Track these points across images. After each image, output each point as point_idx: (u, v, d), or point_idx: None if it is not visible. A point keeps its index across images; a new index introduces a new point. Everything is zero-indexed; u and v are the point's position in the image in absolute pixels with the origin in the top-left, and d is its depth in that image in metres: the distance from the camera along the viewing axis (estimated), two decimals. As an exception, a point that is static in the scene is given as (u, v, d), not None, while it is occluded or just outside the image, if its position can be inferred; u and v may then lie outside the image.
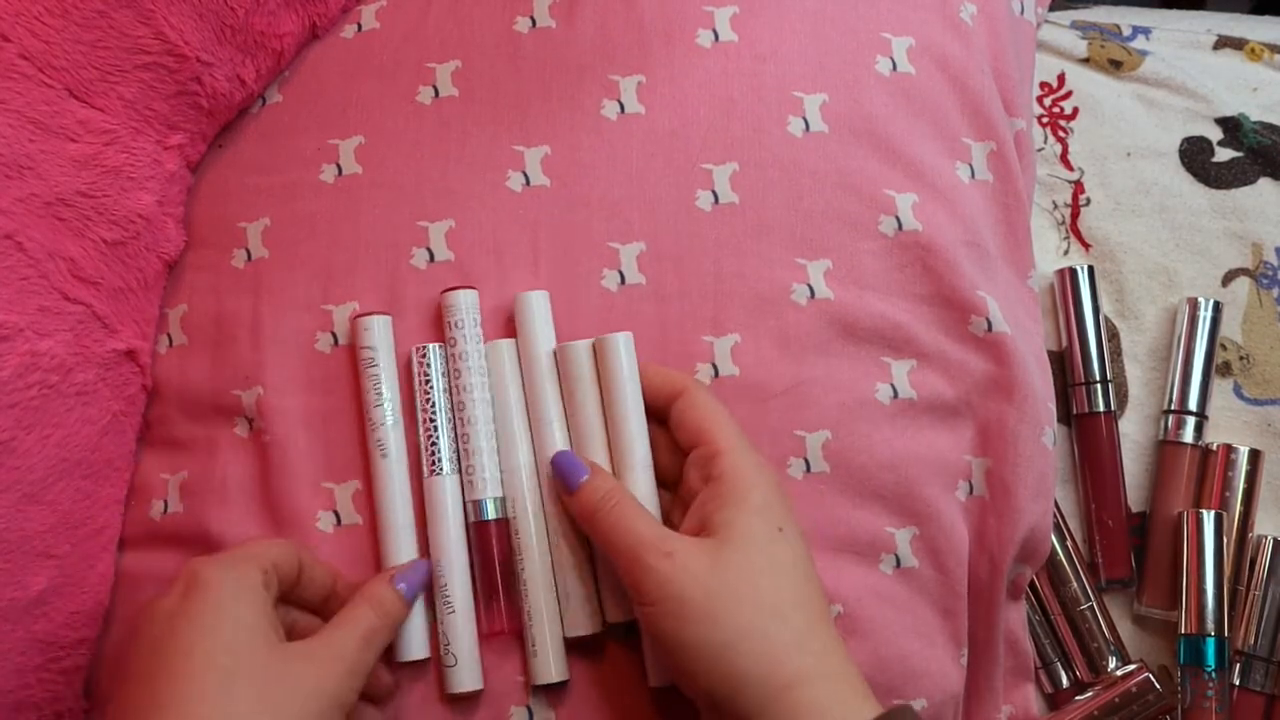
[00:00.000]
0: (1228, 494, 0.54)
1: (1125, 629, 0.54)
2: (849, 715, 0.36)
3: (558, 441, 0.44)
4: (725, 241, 0.47)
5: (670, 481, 0.44)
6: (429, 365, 0.45)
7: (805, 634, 0.38)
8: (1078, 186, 0.60)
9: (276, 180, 0.50)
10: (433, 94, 0.50)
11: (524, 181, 0.48)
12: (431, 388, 0.45)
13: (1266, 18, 0.66)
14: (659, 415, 0.44)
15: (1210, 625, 0.51)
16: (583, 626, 0.43)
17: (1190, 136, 0.60)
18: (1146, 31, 0.64)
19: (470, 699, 0.43)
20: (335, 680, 0.37)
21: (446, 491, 0.44)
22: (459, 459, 0.45)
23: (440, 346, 0.45)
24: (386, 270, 0.47)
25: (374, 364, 0.45)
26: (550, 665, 0.42)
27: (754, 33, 0.49)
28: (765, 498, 0.40)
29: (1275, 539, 0.53)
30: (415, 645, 0.43)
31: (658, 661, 0.42)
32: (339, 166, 0.49)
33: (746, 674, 0.37)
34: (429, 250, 0.47)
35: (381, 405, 0.45)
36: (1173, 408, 0.55)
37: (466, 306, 0.45)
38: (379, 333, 0.45)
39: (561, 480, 0.42)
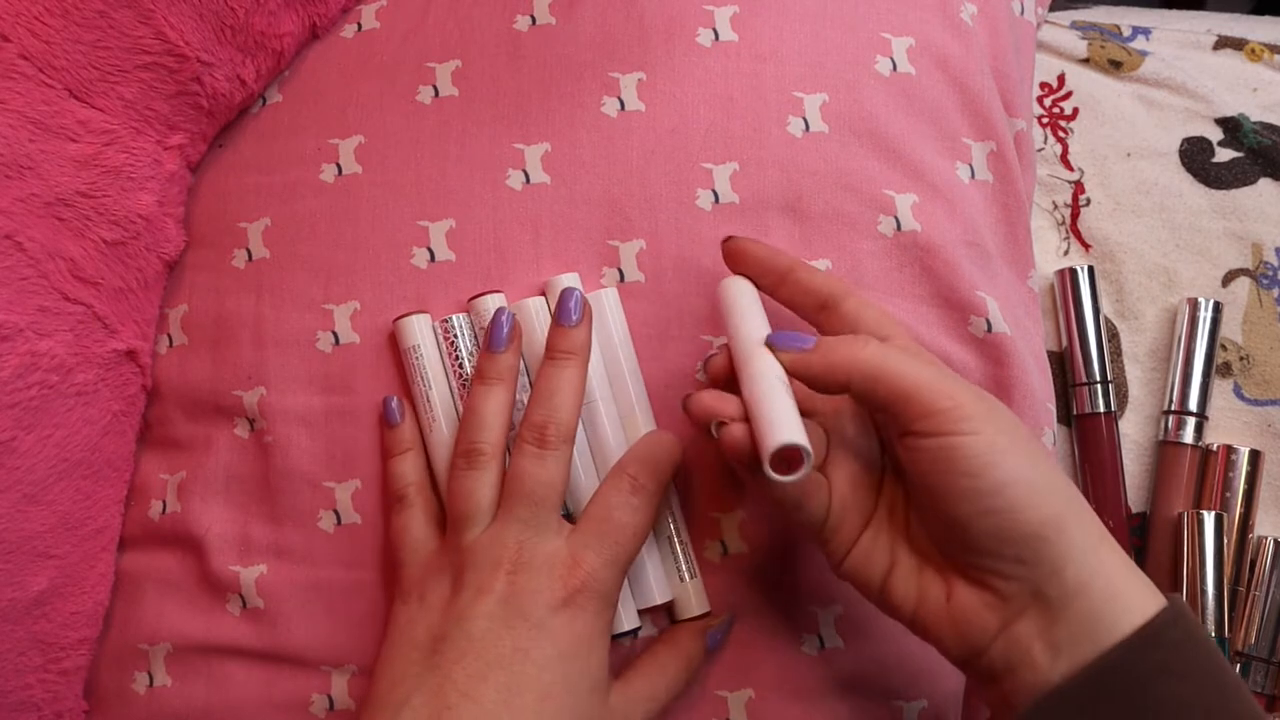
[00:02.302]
0: (1228, 495, 0.54)
1: (1125, 629, 0.54)
2: (1147, 588, 0.34)
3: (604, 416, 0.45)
4: (725, 241, 0.47)
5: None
6: (455, 335, 0.45)
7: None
8: (1078, 187, 0.60)
9: (276, 180, 0.50)
10: (433, 93, 0.50)
11: (524, 179, 0.48)
12: (461, 356, 0.45)
13: (1266, 18, 0.66)
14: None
15: (1210, 626, 0.51)
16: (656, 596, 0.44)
17: (1190, 137, 0.60)
18: (1146, 32, 0.64)
19: None
20: None
21: None
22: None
23: (466, 316, 0.46)
24: (387, 270, 0.47)
25: (419, 359, 0.45)
26: (620, 618, 0.43)
27: (754, 32, 0.49)
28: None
29: (1275, 540, 0.53)
30: None
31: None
32: (339, 166, 0.49)
33: (1067, 514, 0.34)
34: (430, 250, 0.47)
35: (430, 391, 0.45)
36: (1173, 408, 0.55)
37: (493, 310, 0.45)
38: (422, 330, 0.46)
39: (790, 344, 0.38)
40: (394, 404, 0.45)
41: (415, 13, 0.52)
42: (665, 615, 0.45)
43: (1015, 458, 0.34)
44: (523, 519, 0.40)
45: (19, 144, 0.42)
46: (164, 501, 0.48)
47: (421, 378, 0.45)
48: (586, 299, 0.44)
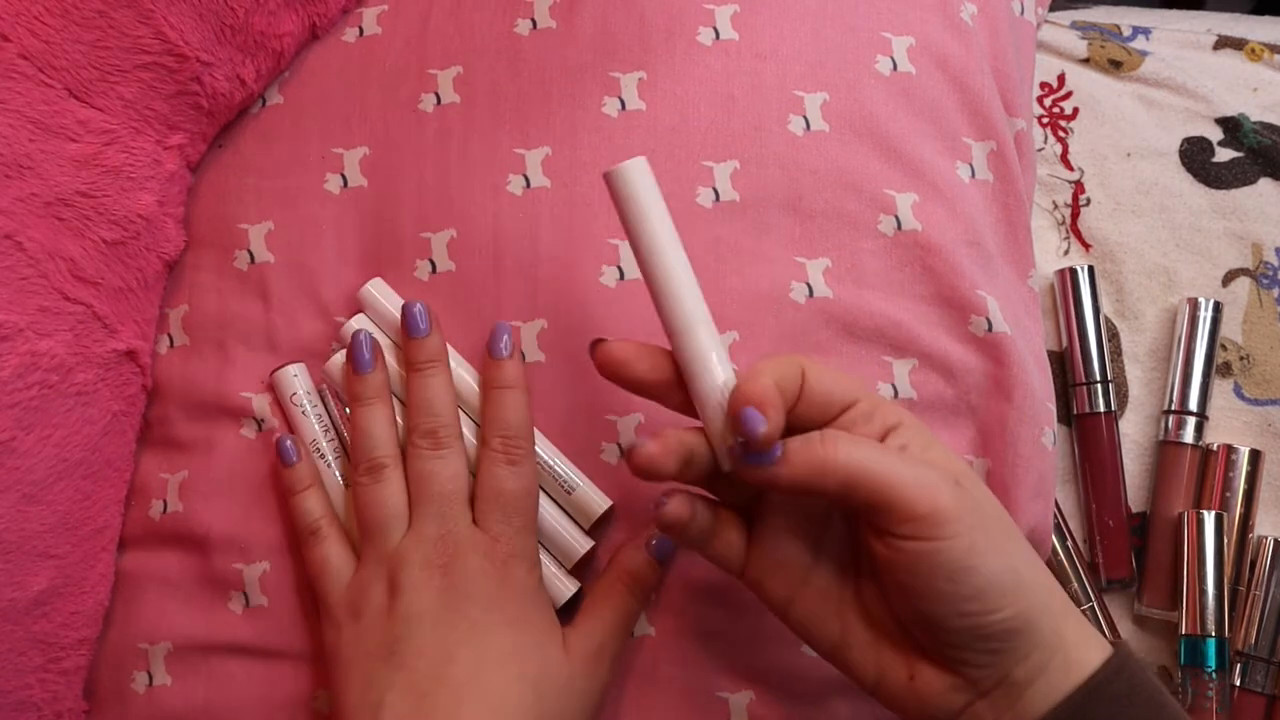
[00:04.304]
0: (1228, 494, 0.54)
1: (1126, 629, 0.54)
2: (1100, 649, 0.36)
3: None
4: (725, 239, 0.47)
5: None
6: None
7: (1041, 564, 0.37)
8: (1078, 186, 0.60)
9: (279, 184, 0.50)
10: (434, 101, 0.50)
11: (524, 184, 0.48)
12: (324, 405, 0.47)
13: (1266, 18, 0.66)
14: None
15: (1211, 626, 0.51)
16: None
17: (1190, 136, 0.60)
18: (1146, 32, 0.64)
19: None
20: (586, 677, 0.41)
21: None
22: None
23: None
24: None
25: (304, 411, 0.46)
26: (563, 587, 0.44)
27: (755, 31, 0.49)
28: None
29: (1275, 540, 0.53)
30: None
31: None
32: (344, 178, 0.49)
33: (1037, 604, 0.35)
34: (431, 262, 0.47)
35: (319, 441, 0.46)
36: (1173, 408, 0.55)
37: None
38: (301, 381, 0.47)
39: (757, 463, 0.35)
40: (288, 443, 0.45)
41: (416, 19, 0.52)
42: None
43: (993, 559, 0.34)
44: (438, 515, 0.42)
45: (19, 144, 0.42)
46: (165, 501, 0.47)
47: (306, 425, 0.46)
48: (429, 308, 0.45)
